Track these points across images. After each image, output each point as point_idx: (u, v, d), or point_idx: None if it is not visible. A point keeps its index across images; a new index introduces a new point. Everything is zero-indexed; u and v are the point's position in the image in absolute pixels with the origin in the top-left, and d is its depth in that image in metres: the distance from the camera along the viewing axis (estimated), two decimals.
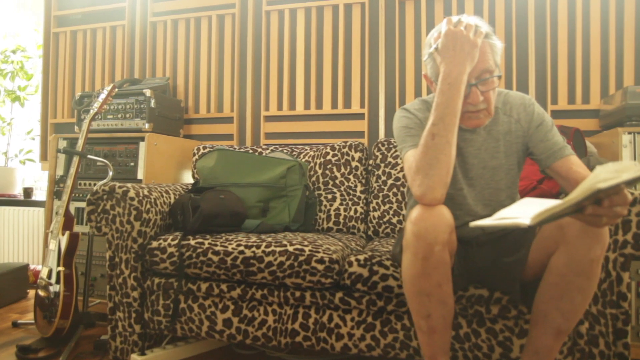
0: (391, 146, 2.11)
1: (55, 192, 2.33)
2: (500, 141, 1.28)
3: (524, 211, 0.85)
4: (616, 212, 0.87)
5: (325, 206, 2.08)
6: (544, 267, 1.13)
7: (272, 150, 2.25)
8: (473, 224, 0.89)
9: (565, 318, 1.11)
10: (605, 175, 0.78)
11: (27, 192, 3.13)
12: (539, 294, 1.15)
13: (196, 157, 2.31)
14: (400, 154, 1.27)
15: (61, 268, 1.82)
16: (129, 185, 1.66)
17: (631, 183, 0.79)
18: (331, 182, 2.12)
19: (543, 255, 1.14)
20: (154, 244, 1.61)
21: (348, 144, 2.17)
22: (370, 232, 2.05)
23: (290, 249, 1.48)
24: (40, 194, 3.28)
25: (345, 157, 2.13)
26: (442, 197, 1.08)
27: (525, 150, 1.30)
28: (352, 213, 2.05)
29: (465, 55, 1.13)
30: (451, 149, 1.10)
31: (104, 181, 1.94)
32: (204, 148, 2.31)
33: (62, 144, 2.37)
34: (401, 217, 1.99)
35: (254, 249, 1.51)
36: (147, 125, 2.30)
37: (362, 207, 2.06)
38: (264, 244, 1.52)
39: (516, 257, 1.22)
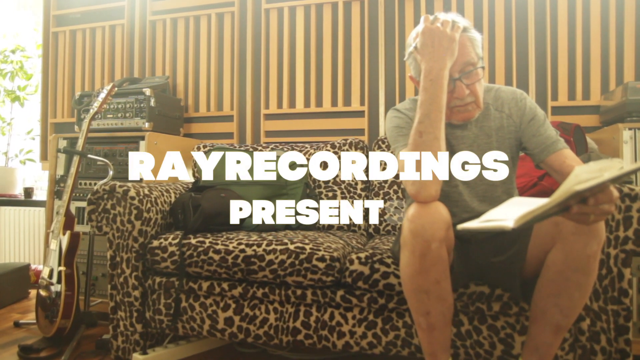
0: None
1: (55, 191, 2.33)
2: (493, 137, 1.28)
3: (511, 212, 0.85)
4: (603, 209, 0.87)
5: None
6: (542, 263, 1.13)
7: (272, 149, 2.25)
8: (460, 227, 0.90)
9: (564, 314, 1.11)
10: (585, 176, 0.77)
11: (28, 192, 3.13)
12: (537, 291, 1.15)
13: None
14: (394, 153, 1.28)
15: (62, 268, 1.82)
16: (129, 184, 1.66)
17: (615, 181, 0.79)
18: (331, 180, 2.12)
19: (540, 252, 1.14)
20: (155, 243, 1.61)
21: (348, 141, 2.17)
22: (371, 230, 2.05)
23: (291, 247, 1.48)
24: (40, 194, 3.28)
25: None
26: (436, 193, 1.09)
27: (519, 145, 1.30)
28: None
29: (444, 51, 1.14)
30: (440, 145, 1.10)
31: (105, 180, 1.94)
32: (204, 147, 2.31)
33: (62, 144, 2.37)
34: (402, 215, 1.99)
35: (255, 247, 1.51)
36: (147, 124, 2.30)
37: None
38: (265, 242, 1.52)
39: (506, 256, 1.22)
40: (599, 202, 0.86)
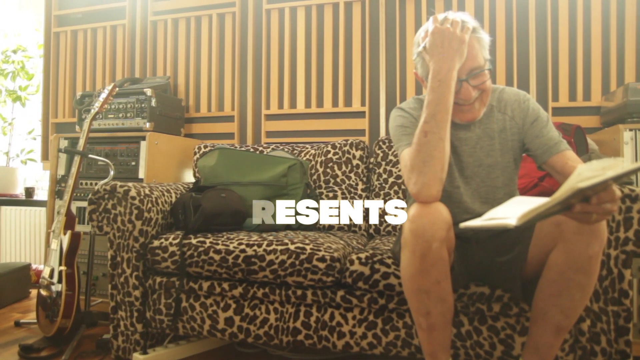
0: (392, 144, 2.10)
1: (56, 191, 2.34)
2: (495, 139, 1.28)
3: (513, 211, 0.85)
4: (605, 208, 0.87)
5: None
6: (543, 264, 1.13)
7: (272, 149, 2.25)
8: (462, 225, 0.89)
9: (564, 315, 1.11)
10: (588, 174, 0.77)
11: (29, 191, 3.13)
12: (538, 292, 1.15)
13: (197, 155, 2.31)
14: (397, 152, 1.28)
15: (63, 267, 1.82)
16: (130, 184, 1.66)
17: (618, 180, 0.79)
18: (332, 181, 2.12)
19: (542, 252, 1.14)
20: (156, 243, 1.61)
21: (349, 142, 2.17)
22: (371, 231, 2.05)
23: (292, 247, 1.48)
24: (41, 194, 3.28)
25: (346, 155, 2.13)
26: (437, 193, 1.09)
27: (522, 147, 1.30)
28: None
29: (453, 52, 1.14)
30: (444, 145, 1.11)
31: (105, 180, 1.95)
32: (205, 147, 2.31)
33: (64, 144, 2.37)
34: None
35: (255, 247, 1.51)
36: (148, 125, 2.30)
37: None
38: (266, 242, 1.52)
39: (510, 256, 1.22)
40: (602, 201, 0.86)
